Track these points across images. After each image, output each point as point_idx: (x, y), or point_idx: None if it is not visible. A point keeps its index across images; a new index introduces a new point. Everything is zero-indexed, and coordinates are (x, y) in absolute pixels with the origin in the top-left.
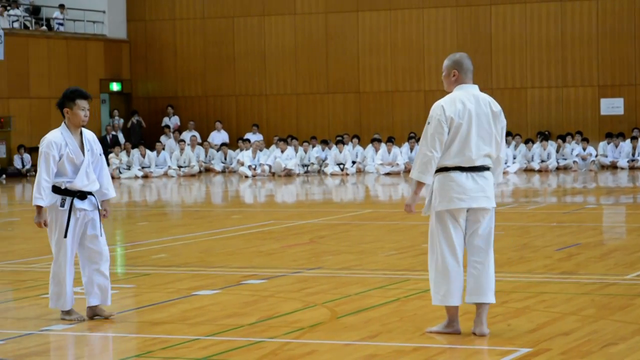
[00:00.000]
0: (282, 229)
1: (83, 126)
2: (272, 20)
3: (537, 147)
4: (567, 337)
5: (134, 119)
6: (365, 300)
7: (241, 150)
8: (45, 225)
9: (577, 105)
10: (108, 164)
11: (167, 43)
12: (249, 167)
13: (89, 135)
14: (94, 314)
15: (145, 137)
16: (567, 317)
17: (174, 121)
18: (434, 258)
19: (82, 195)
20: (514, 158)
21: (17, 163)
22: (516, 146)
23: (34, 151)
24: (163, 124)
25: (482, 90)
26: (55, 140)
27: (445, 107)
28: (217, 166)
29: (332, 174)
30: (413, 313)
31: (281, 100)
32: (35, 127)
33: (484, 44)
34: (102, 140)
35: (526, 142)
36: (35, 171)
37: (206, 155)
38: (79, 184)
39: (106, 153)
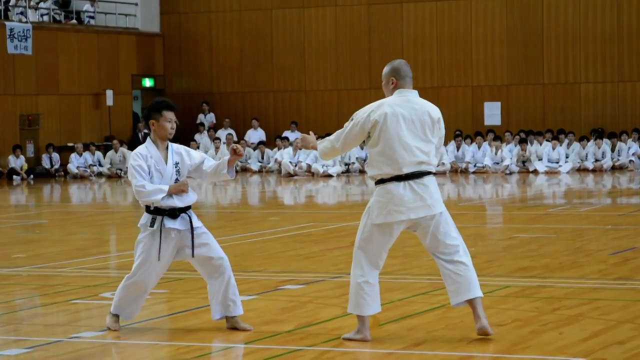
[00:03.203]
0: (321, 232)
1: (170, 139)
2: (311, 12)
3: (591, 145)
4: (623, 346)
5: None
6: (409, 307)
7: (279, 149)
8: (185, 188)
9: (633, 101)
10: None
11: (202, 37)
12: (290, 162)
13: (177, 148)
14: (232, 325)
15: (179, 135)
16: (622, 325)
17: (209, 118)
18: (355, 266)
19: (173, 213)
20: (567, 157)
21: (46, 163)
22: (569, 144)
23: (63, 150)
24: (198, 122)
25: (532, 85)
26: (140, 152)
27: (372, 111)
28: (254, 166)
29: None
30: (459, 320)
31: (321, 97)
32: (64, 125)
33: (535, 37)
34: (134, 138)
35: (580, 140)
36: (65, 171)
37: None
38: (167, 199)
39: None
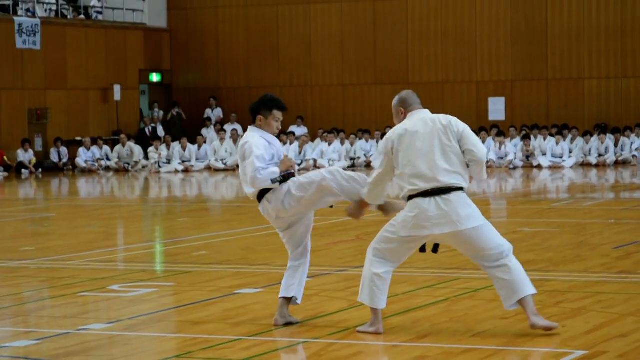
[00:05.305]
0: (327, 225)
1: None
2: (317, 8)
3: (594, 140)
4: (625, 339)
5: (174, 111)
6: (413, 300)
7: (284, 144)
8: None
9: (637, 96)
10: (147, 158)
11: (209, 32)
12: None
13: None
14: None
15: (186, 129)
16: (625, 318)
17: (216, 113)
18: (372, 256)
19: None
20: (570, 152)
21: (54, 157)
22: (572, 140)
23: (71, 144)
24: (205, 116)
25: (536, 80)
26: (261, 142)
27: (388, 138)
28: None
29: None
30: (463, 313)
31: (327, 92)
32: (72, 120)
33: (539, 32)
34: (141, 132)
35: (583, 136)
36: (73, 165)
37: None
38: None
39: (145, 146)
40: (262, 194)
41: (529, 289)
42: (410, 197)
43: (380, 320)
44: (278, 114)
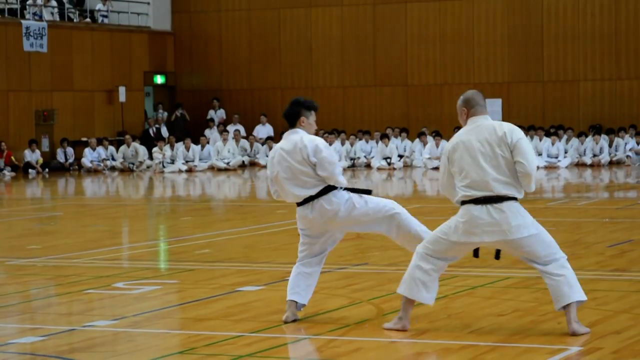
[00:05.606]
0: None
1: None
2: (318, 11)
3: (589, 141)
4: (619, 335)
5: (178, 112)
6: None
7: None
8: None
9: (630, 98)
10: (151, 158)
11: (212, 35)
12: None
13: None
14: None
15: (190, 130)
16: (619, 315)
17: (219, 114)
18: (424, 256)
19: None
20: (566, 152)
21: (60, 157)
22: (568, 140)
23: (77, 145)
24: (208, 117)
25: (532, 82)
26: None
27: (445, 150)
28: (262, 160)
29: (378, 169)
30: (461, 310)
31: (327, 93)
32: (78, 121)
33: (535, 35)
34: (145, 133)
35: (578, 136)
36: (79, 165)
37: (251, 149)
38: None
39: (149, 147)
40: (317, 195)
41: (577, 296)
42: (464, 203)
43: (408, 317)
44: (315, 115)
